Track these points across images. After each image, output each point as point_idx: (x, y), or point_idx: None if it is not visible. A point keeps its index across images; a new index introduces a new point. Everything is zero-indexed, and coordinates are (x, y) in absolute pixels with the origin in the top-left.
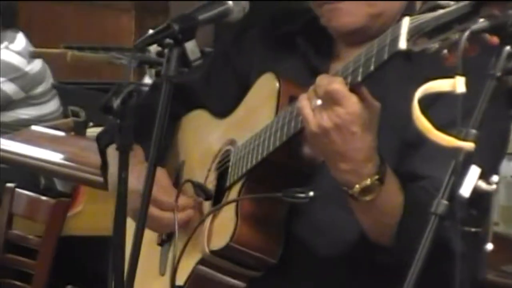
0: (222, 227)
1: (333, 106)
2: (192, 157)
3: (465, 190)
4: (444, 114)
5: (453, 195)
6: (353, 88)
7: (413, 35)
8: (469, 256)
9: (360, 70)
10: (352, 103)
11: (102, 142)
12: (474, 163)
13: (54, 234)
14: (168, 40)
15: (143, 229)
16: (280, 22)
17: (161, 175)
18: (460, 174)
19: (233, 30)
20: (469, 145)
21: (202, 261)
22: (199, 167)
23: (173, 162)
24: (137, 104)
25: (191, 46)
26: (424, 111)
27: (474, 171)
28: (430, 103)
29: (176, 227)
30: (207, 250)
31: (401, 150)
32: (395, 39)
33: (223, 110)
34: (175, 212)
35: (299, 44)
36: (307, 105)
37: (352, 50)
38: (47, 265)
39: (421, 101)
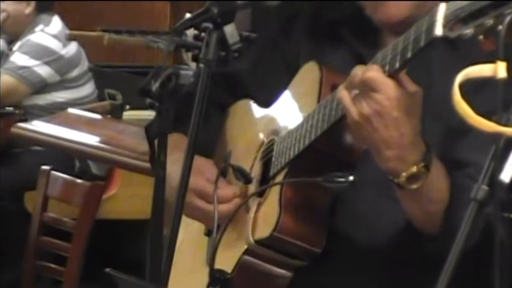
0: (266, 217)
1: (371, 93)
2: (238, 147)
3: (506, 176)
4: (488, 102)
5: (493, 180)
6: (391, 75)
7: (449, 21)
8: (509, 242)
9: (398, 57)
10: (390, 88)
11: (151, 134)
12: None
13: (89, 217)
14: (206, 24)
15: (180, 216)
16: (325, 12)
17: (209, 167)
18: (500, 160)
19: (276, 17)
20: (509, 131)
21: (247, 251)
22: (245, 157)
23: (221, 152)
24: (185, 92)
25: (230, 30)
26: (464, 96)
27: None
28: (474, 91)
29: (216, 218)
30: (251, 240)
31: (447, 138)
32: (432, 25)
33: (270, 99)
34: (215, 203)
35: (344, 34)
36: (346, 95)
37: (395, 38)
38: (82, 248)
39: (462, 86)
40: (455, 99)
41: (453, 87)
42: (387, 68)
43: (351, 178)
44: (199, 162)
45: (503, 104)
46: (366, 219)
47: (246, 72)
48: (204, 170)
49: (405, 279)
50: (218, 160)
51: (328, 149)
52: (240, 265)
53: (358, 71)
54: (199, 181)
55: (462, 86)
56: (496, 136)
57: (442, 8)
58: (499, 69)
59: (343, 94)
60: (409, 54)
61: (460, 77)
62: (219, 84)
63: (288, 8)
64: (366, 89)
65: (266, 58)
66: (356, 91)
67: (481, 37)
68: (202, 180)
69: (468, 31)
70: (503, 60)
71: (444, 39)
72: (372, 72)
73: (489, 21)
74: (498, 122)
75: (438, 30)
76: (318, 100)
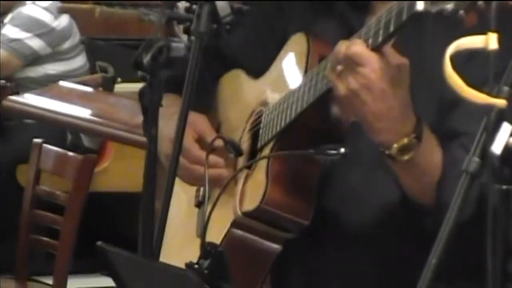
0: (254, 189)
1: (357, 68)
2: (228, 118)
3: (497, 147)
4: (479, 74)
5: (484, 152)
6: (375, 49)
7: None
8: (501, 214)
9: (381, 31)
10: (374, 61)
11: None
12: (506, 120)
13: (82, 190)
14: None
15: (171, 190)
16: None
17: (200, 122)
18: (492, 131)
19: None
20: (501, 102)
21: (235, 223)
22: (235, 128)
23: (212, 123)
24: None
25: (221, 3)
26: (456, 68)
27: (506, 128)
28: (467, 59)
29: (207, 181)
30: (239, 212)
31: (441, 110)
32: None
33: (261, 72)
34: (206, 168)
35: (335, 4)
36: (332, 72)
37: (385, 4)
38: (74, 221)
39: (453, 58)
40: (446, 71)
41: (444, 59)
42: (370, 41)
43: (342, 150)
44: (192, 117)
45: (494, 75)
46: (358, 195)
47: (239, 47)
48: (194, 126)
49: (398, 255)
50: None
51: (315, 123)
52: (228, 238)
53: (342, 47)
54: (186, 140)
55: (453, 58)
56: (488, 107)
57: None
58: (490, 41)
59: (329, 71)
60: (391, 28)
61: (451, 49)
62: (212, 58)
63: None
64: (351, 64)
65: (259, 35)
66: (341, 67)
67: (462, 12)
68: (189, 139)
69: (449, 5)
70: (494, 31)
71: (425, 13)
72: (356, 46)
73: None
74: (490, 94)
75: (420, 5)
76: (306, 71)
